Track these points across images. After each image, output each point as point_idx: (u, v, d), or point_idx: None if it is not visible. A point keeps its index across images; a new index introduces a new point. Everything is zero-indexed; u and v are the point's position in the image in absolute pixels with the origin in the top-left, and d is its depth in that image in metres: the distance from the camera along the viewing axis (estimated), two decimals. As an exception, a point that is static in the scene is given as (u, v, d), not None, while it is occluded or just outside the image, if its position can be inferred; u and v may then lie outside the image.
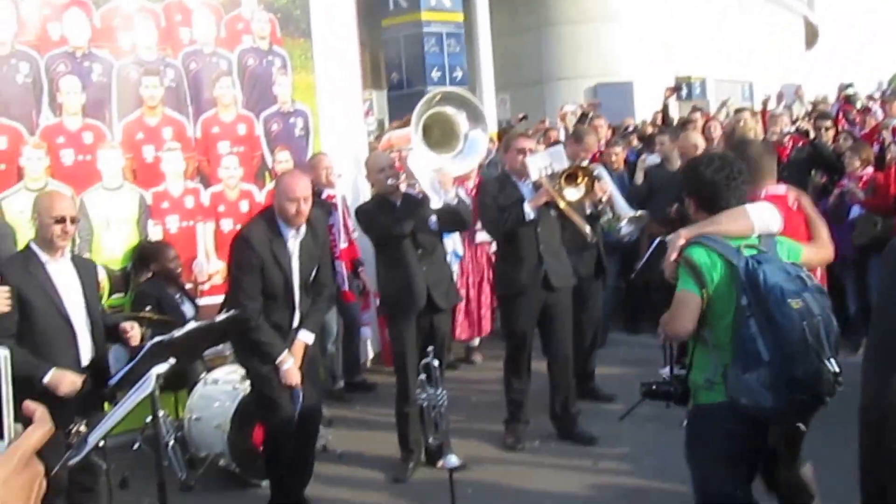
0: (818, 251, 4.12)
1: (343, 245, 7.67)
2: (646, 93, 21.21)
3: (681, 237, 3.78)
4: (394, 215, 5.84)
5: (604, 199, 6.63)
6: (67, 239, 4.63)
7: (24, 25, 6.49)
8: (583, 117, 11.85)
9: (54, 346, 4.57)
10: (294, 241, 5.20)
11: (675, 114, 14.29)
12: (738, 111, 10.86)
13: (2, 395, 1.16)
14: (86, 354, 4.72)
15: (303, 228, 5.21)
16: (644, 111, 17.99)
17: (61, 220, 4.57)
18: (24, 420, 1.20)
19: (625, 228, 6.82)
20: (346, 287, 7.73)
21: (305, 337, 5.34)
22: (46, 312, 4.58)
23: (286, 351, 5.18)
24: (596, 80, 21.57)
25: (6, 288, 3.99)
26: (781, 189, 4.46)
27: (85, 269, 4.85)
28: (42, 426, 1.20)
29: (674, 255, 3.77)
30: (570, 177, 6.17)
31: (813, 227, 4.23)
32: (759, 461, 3.94)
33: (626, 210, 6.82)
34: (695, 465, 3.93)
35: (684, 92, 23.49)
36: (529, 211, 6.11)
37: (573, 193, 6.15)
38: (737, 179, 3.83)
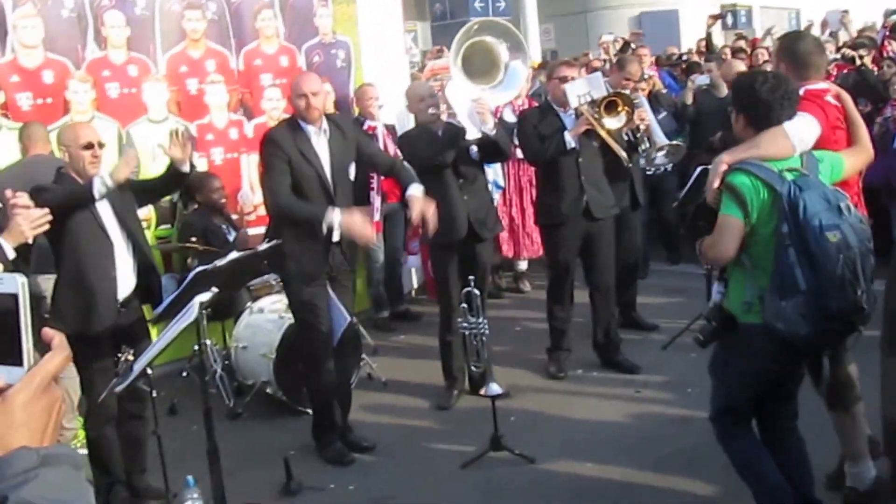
0: (859, 155, 4.05)
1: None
2: (690, 21, 20.82)
3: (723, 163, 3.75)
4: (435, 145, 5.84)
5: (642, 128, 6.58)
6: (98, 164, 4.65)
7: (67, -40, 6.52)
8: (626, 46, 11.70)
9: (94, 257, 4.65)
10: (318, 137, 5.19)
11: (719, 42, 14.04)
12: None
13: (21, 323, 1.20)
14: (124, 285, 4.78)
15: (325, 125, 5.19)
16: (689, 40, 17.68)
17: (89, 147, 4.62)
18: (41, 349, 1.25)
19: (660, 158, 6.78)
20: (378, 218, 7.74)
21: (416, 190, 5.24)
22: (85, 223, 4.64)
23: (334, 209, 5.02)
24: (640, 9, 21.21)
25: (45, 211, 4.05)
26: (823, 84, 4.35)
27: (122, 197, 4.85)
28: (60, 353, 1.24)
29: (716, 182, 3.75)
30: (610, 105, 6.11)
31: (853, 126, 4.15)
32: (789, 381, 3.97)
33: (663, 139, 6.76)
34: (720, 376, 3.99)
35: (729, 20, 23.01)
36: (570, 139, 6.07)
37: (613, 122, 6.10)
38: (791, 99, 3.78)
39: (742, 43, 12.00)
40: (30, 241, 4.06)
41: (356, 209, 5.16)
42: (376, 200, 7.66)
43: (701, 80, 9.31)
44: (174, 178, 5.00)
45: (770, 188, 3.61)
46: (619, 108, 6.09)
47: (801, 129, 3.78)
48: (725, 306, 3.84)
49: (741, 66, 8.33)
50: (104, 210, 4.67)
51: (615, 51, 11.33)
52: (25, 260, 4.36)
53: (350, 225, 4.96)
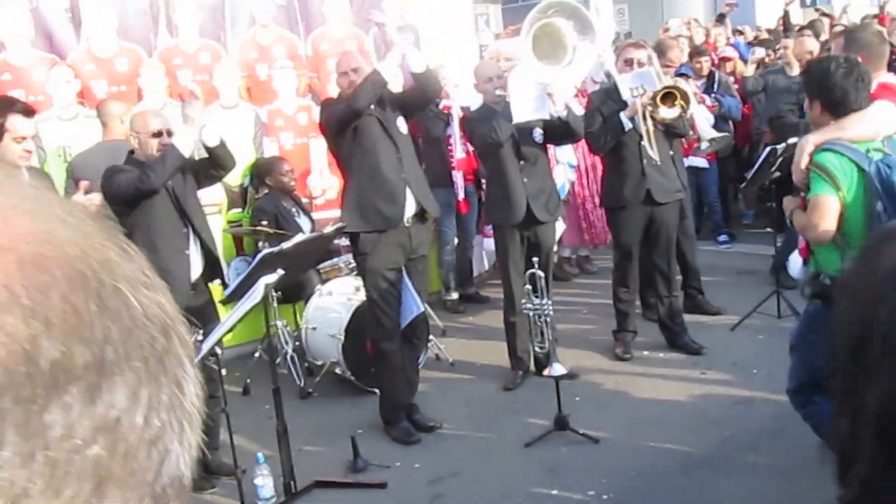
0: None
1: (461, 155, 7.72)
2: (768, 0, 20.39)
3: (810, 143, 3.75)
4: (490, 124, 5.86)
5: (686, 116, 6.53)
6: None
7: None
8: (721, 17, 11.62)
9: (168, 237, 4.78)
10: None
11: (797, 20, 13.75)
12: (864, 19, 10.37)
13: None
14: (194, 267, 4.90)
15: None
16: (765, 17, 17.34)
17: (158, 135, 4.76)
18: None
19: (705, 147, 6.72)
20: (462, 196, 7.80)
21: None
22: (161, 203, 4.77)
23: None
24: (717, -12, 20.84)
25: (99, 196, 4.16)
26: (893, 78, 4.35)
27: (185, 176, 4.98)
28: None
29: (805, 162, 3.74)
30: (667, 97, 6.04)
31: None
32: None
33: (708, 132, 6.71)
34: (803, 351, 3.96)
35: (808, -2, 22.48)
36: (626, 121, 6.03)
37: (667, 112, 6.01)
38: (865, 82, 3.78)
39: (824, 20, 11.72)
40: None
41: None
42: (458, 178, 7.71)
43: (759, 52, 9.21)
44: (207, 153, 5.05)
45: (858, 167, 3.63)
46: (676, 100, 6.02)
47: (885, 115, 3.81)
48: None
49: (813, 43, 8.17)
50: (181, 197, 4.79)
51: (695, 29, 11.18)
52: None
53: None
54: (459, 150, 7.68)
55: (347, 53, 5.46)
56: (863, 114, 3.76)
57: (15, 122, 4.19)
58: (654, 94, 5.88)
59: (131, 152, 4.88)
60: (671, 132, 6.23)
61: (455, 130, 7.64)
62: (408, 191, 5.35)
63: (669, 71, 6.90)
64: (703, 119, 6.82)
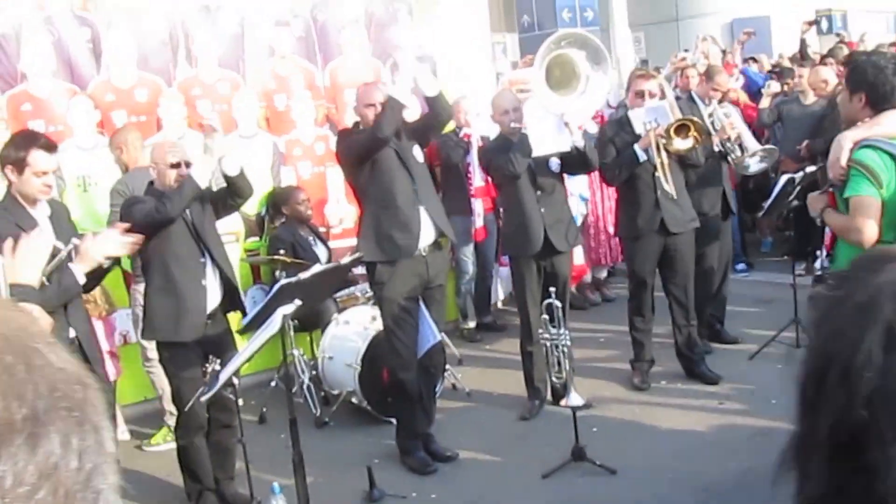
0: None
1: (479, 183, 7.75)
2: (783, 27, 20.40)
3: (848, 140, 3.73)
4: (507, 154, 5.87)
5: (733, 137, 6.55)
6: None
7: (159, -19, 6.76)
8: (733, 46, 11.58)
9: (186, 267, 4.80)
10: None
11: (814, 48, 13.75)
12: (878, 47, 10.35)
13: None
14: (211, 298, 4.91)
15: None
16: (781, 46, 17.34)
17: (176, 166, 4.80)
18: None
19: (754, 165, 6.70)
20: (480, 224, 7.81)
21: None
22: (180, 233, 4.81)
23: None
24: (732, 16, 20.87)
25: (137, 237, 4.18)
26: None
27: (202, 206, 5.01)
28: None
29: (845, 158, 3.72)
30: (681, 128, 6.04)
31: None
32: None
33: (755, 145, 6.69)
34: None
35: (825, 25, 22.48)
36: (640, 152, 6.05)
37: (681, 143, 6.02)
38: None
39: (843, 46, 11.71)
40: (104, 265, 4.13)
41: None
42: (477, 205, 7.74)
43: (774, 86, 9.18)
44: (226, 182, 5.08)
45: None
46: (690, 132, 6.02)
47: None
48: None
49: (828, 72, 8.18)
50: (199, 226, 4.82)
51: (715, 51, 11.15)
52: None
53: None
54: (478, 178, 7.72)
55: (371, 85, 5.48)
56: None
57: (37, 156, 4.21)
58: (667, 126, 5.90)
59: (151, 183, 4.93)
60: (685, 163, 6.25)
61: (474, 158, 7.68)
62: (424, 219, 5.35)
63: (716, 95, 6.91)
64: (748, 136, 6.80)
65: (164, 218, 4.64)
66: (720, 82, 7.14)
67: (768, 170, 7.44)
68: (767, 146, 6.92)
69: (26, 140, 4.32)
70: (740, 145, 6.66)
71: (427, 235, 5.38)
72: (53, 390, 0.57)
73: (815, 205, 4.06)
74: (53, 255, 3.80)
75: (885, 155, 3.63)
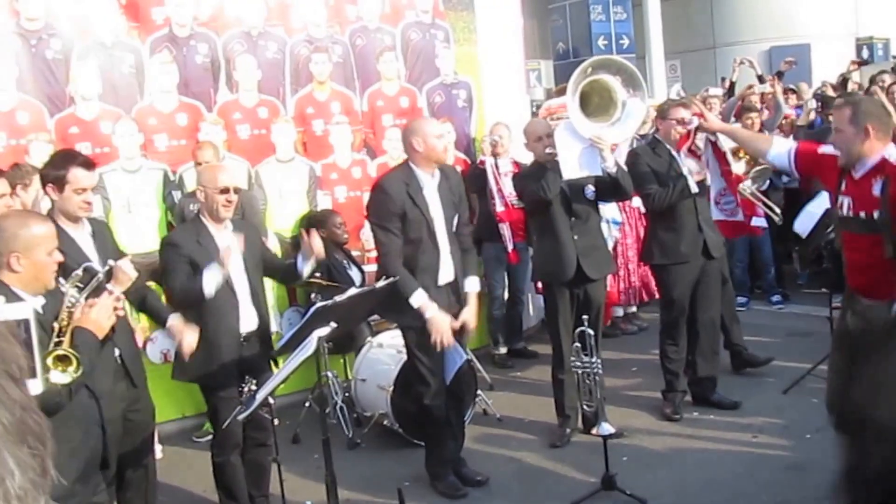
0: None
1: (500, 208, 7.82)
2: (823, 55, 20.30)
3: None
4: (540, 181, 5.93)
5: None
6: (231, 209, 4.91)
7: (202, 8, 6.90)
8: (779, 74, 11.50)
9: (219, 312, 4.86)
10: (431, 183, 5.31)
11: (856, 78, 13.69)
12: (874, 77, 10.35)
13: (33, 342, 1.37)
14: (247, 321, 4.99)
15: (437, 173, 5.32)
16: (821, 74, 17.25)
17: (225, 191, 4.86)
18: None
19: (749, 186, 6.72)
20: (511, 248, 7.87)
21: (472, 286, 5.43)
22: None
23: (424, 294, 5.20)
24: (770, 44, 20.83)
25: (116, 297, 4.22)
26: None
27: (246, 234, 5.08)
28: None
29: None
30: (734, 152, 6.13)
31: None
32: None
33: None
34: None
35: (865, 53, 22.37)
36: (694, 185, 6.09)
37: (738, 167, 6.10)
38: None
39: (886, 77, 11.67)
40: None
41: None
42: (505, 230, 7.81)
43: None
44: (289, 274, 5.31)
45: None
46: (742, 154, 6.09)
47: None
48: None
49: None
50: (231, 265, 4.89)
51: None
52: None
53: (434, 323, 5.18)
54: (499, 203, 7.78)
55: (432, 120, 5.73)
56: None
57: (77, 174, 4.34)
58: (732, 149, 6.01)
59: (198, 213, 5.04)
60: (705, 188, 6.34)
61: (492, 184, 7.76)
62: (444, 266, 5.38)
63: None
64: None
65: (197, 298, 4.76)
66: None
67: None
68: (759, 167, 6.92)
69: (65, 159, 4.46)
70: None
71: (447, 276, 5.39)
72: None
73: None
74: (92, 277, 3.89)
75: None
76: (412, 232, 5.26)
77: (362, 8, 7.65)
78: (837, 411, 4.53)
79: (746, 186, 6.89)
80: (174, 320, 4.70)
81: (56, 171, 4.36)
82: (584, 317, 5.69)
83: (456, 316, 5.36)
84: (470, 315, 5.36)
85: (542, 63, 18.74)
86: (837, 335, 4.55)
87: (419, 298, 5.18)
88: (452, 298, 5.40)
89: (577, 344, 5.71)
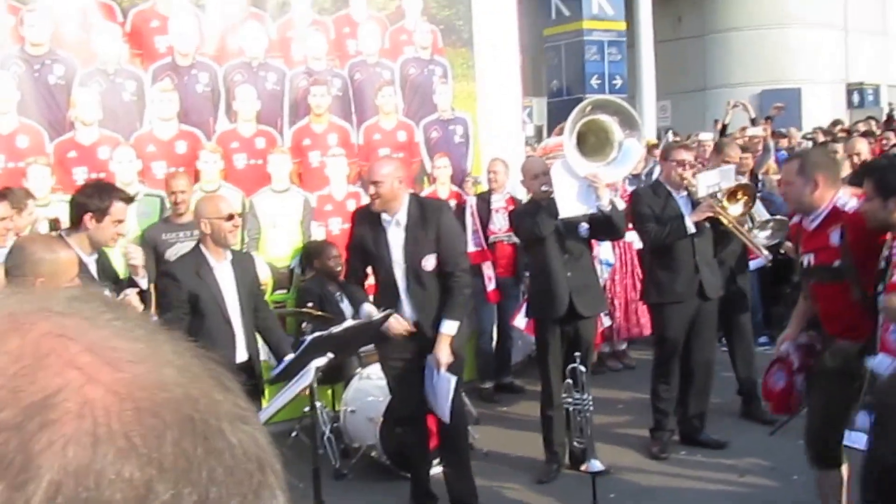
0: None
1: (472, 248, 7.85)
2: (814, 99, 20.56)
3: None
4: (535, 217, 5.99)
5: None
6: (236, 233, 5.02)
7: (204, 38, 6.97)
8: (768, 119, 11.64)
9: (217, 346, 4.90)
10: (394, 226, 5.33)
11: (845, 121, 13.89)
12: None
13: None
14: (241, 353, 5.07)
15: (403, 215, 5.30)
16: (812, 118, 17.49)
17: (231, 218, 4.98)
18: None
19: (762, 236, 6.73)
20: (492, 287, 7.91)
21: (446, 328, 5.25)
22: (213, 316, 4.97)
23: (372, 306, 5.33)
24: (761, 87, 21.10)
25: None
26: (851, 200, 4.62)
27: (242, 266, 5.19)
28: None
29: None
30: (731, 194, 6.20)
31: None
32: None
33: (764, 214, 6.78)
34: (879, 434, 3.99)
35: (856, 99, 22.66)
36: (690, 225, 6.16)
37: (734, 209, 6.18)
38: None
39: (872, 124, 11.85)
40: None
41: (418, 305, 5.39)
42: (486, 269, 7.85)
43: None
44: (273, 349, 5.42)
45: None
46: (739, 196, 6.17)
47: None
48: None
49: (864, 144, 8.32)
50: (229, 298, 4.97)
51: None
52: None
53: (390, 328, 5.25)
54: (472, 243, 7.78)
55: (377, 164, 5.62)
56: None
57: (119, 206, 4.61)
58: (727, 190, 6.06)
59: (198, 244, 5.10)
60: (719, 234, 6.38)
61: (468, 223, 7.80)
62: (404, 306, 5.41)
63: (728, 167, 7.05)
64: (759, 205, 6.90)
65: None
66: (731, 154, 7.25)
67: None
68: (778, 217, 6.97)
69: (109, 190, 4.74)
70: (751, 217, 6.74)
71: (411, 316, 5.42)
72: (229, 475, 0.56)
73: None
74: None
75: None
76: (379, 272, 5.45)
77: (362, 42, 7.74)
78: (813, 448, 4.66)
79: (758, 235, 6.88)
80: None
81: (101, 202, 4.57)
82: (576, 354, 5.74)
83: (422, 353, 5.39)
84: (439, 355, 5.26)
85: (534, 100, 18.92)
86: (817, 375, 4.63)
87: (366, 309, 5.30)
88: (420, 340, 5.39)
89: (569, 380, 5.76)
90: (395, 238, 5.33)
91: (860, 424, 4.22)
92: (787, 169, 4.86)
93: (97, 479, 0.51)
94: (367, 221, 5.39)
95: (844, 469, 4.60)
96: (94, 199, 4.60)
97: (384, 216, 5.33)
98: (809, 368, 4.76)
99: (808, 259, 4.73)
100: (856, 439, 4.29)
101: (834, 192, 4.59)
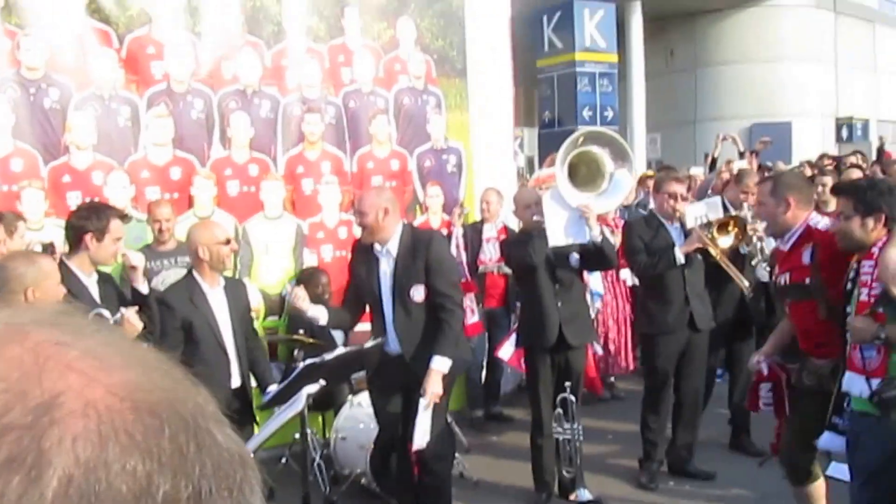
0: None
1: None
2: (804, 133, 20.70)
3: None
4: (526, 247, 6.03)
5: (755, 240, 6.64)
6: (231, 256, 5.08)
7: (200, 65, 7.01)
8: (754, 153, 11.68)
9: (211, 372, 4.92)
10: (385, 256, 5.35)
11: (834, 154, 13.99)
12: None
13: None
14: (235, 379, 5.11)
15: (394, 244, 5.31)
16: (801, 152, 17.60)
17: (227, 242, 5.04)
18: None
19: (762, 271, 6.74)
20: (474, 319, 7.91)
21: (436, 364, 5.17)
22: (207, 342, 4.99)
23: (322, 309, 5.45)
24: (752, 121, 21.24)
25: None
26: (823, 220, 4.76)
27: (235, 293, 5.23)
28: None
29: None
30: (723, 226, 6.25)
31: None
32: None
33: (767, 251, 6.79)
34: (861, 469, 4.04)
35: (845, 133, 22.82)
36: (680, 256, 6.19)
37: (724, 241, 6.21)
38: None
39: (858, 158, 11.94)
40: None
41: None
42: (470, 301, 7.85)
43: None
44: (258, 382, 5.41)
45: None
46: (730, 228, 6.21)
47: None
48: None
49: (858, 175, 8.40)
50: (223, 324, 5.02)
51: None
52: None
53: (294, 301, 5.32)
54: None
55: (363, 194, 5.67)
56: None
57: (117, 224, 4.75)
58: (712, 224, 6.09)
59: (190, 271, 5.11)
60: (710, 263, 6.41)
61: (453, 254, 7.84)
62: (389, 335, 5.42)
63: (746, 198, 7.04)
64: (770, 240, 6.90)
65: None
66: (750, 185, 7.23)
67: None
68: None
69: (104, 210, 4.83)
70: (761, 250, 6.75)
71: (394, 346, 5.42)
72: (217, 470, 0.60)
73: (867, 327, 3.99)
74: None
75: None
76: (370, 302, 5.50)
77: (357, 71, 7.79)
78: (788, 464, 4.82)
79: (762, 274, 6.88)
80: None
81: (99, 221, 4.69)
82: (566, 384, 5.76)
83: (412, 389, 5.34)
84: (428, 388, 5.18)
85: (525, 131, 19.03)
86: (795, 394, 4.71)
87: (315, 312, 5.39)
88: (404, 370, 5.37)
89: (559, 410, 5.77)
90: (386, 268, 5.35)
91: (823, 444, 4.27)
92: (761, 190, 5.05)
93: (106, 471, 0.55)
94: (363, 252, 5.44)
95: (820, 484, 4.68)
96: (91, 219, 4.70)
97: (376, 246, 5.35)
98: (779, 379, 4.84)
99: (783, 278, 4.84)
100: (837, 470, 4.32)
101: (807, 213, 4.72)
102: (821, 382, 4.54)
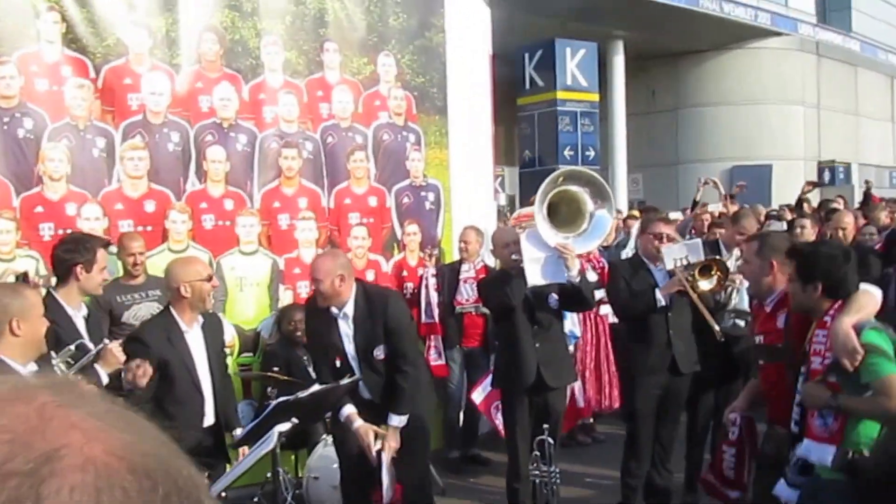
0: None
1: (425, 319, 7.84)
2: (785, 176, 20.81)
3: (847, 324, 3.86)
4: (504, 287, 5.95)
5: (731, 289, 6.59)
6: (211, 294, 5.07)
7: (177, 97, 6.92)
8: (730, 197, 11.67)
9: (186, 411, 4.87)
10: (343, 319, 5.30)
11: (815, 200, 14.05)
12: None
13: None
14: (209, 418, 5.01)
15: (350, 307, 5.26)
16: (782, 195, 17.68)
17: (210, 279, 5.02)
18: None
19: (729, 323, 6.64)
20: (439, 361, 7.85)
21: (393, 422, 5.28)
22: (182, 382, 4.89)
23: (353, 408, 5.29)
24: (732, 163, 21.36)
25: (148, 368, 4.36)
26: None
27: (212, 329, 5.15)
28: None
29: (857, 345, 3.81)
30: (705, 269, 6.19)
31: None
32: None
33: (744, 306, 6.67)
34: None
35: (827, 177, 22.97)
36: (661, 298, 6.13)
37: (705, 284, 6.15)
38: (855, 267, 4.06)
39: (840, 202, 12.00)
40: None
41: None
42: (436, 342, 7.80)
43: (776, 226, 9.33)
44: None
45: (892, 341, 3.81)
46: (713, 272, 6.15)
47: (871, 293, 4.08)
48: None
49: (850, 217, 8.39)
50: (199, 364, 4.95)
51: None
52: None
53: (359, 433, 5.22)
54: (424, 315, 7.80)
55: (317, 260, 5.56)
56: (865, 291, 4.03)
57: (103, 254, 4.88)
58: (695, 265, 6.03)
59: (168, 305, 5.01)
60: (718, 304, 6.37)
61: (422, 295, 7.78)
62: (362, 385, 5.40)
63: (742, 239, 6.99)
64: (743, 294, 6.74)
65: None
66: (746, 227, 7.18)
67: None
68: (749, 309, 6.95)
69: (89, 241, 4.93)
70: (732, 299, 6.67)
71: (366, 396, 5.41)
72: None
73: (819, 394, 3.95)
74: (83, 355, 4.03)
75: (884, 335, 3.80)
76: (329, 357, 5.41)
77: (335, 106, 7.73)
78: None
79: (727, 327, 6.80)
80: None
81: (87, 252, 4.78)
82: (545, 426, 5.67)
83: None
84: (388, 443, 5.24)
85: (506, 170, 19.05)
86: (759, 461, 4.70)
87: (345, 413, 5.27)
88: (378, 414, 5.36)
89: (536, 452, 5.67)
90: (347, 330, 5.32)
91: (778, 491, 4.18)
92: (748, 248, 5.02)
93: None
94: (318, 314, 5.38)
95: None
96: (79, 251, 4.77)
97: (333, 309, 5.29)
98: (743, 447, 4.86)
99: (759, 338, 4.85)
100: None
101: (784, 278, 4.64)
102: (779, 450, 4.48)
